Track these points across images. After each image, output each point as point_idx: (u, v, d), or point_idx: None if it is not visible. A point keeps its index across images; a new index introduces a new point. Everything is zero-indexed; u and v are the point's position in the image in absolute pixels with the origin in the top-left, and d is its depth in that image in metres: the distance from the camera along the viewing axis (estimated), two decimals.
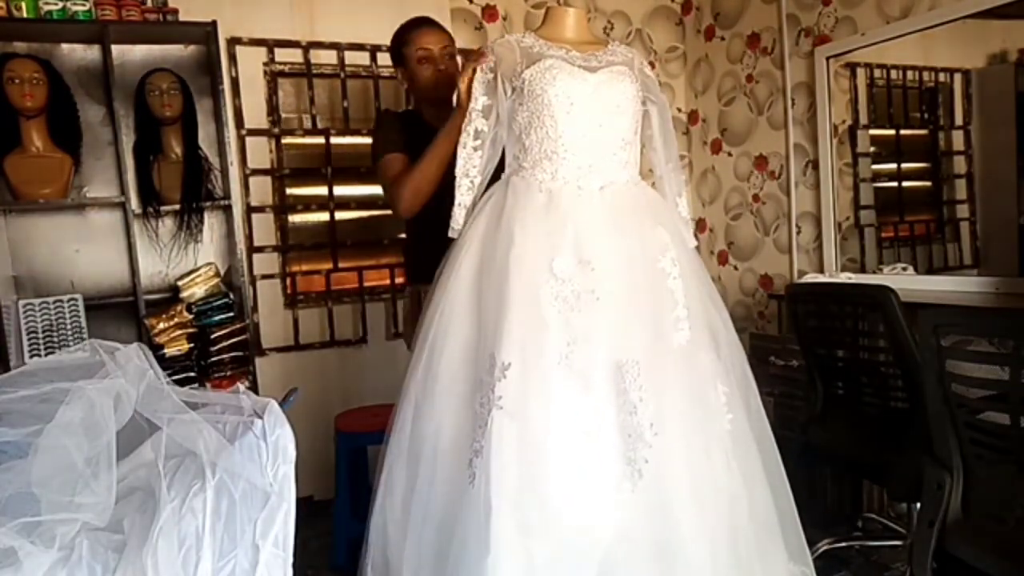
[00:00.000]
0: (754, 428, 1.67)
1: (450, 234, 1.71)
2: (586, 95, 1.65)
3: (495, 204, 1.67)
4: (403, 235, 3.35)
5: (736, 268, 3.74)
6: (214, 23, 2.76)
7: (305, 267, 3.26)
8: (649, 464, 1.46)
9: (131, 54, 2.87)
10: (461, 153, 1.69)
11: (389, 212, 3.36)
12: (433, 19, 2.19)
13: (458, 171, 1.69)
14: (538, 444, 1.46)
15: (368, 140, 3.27)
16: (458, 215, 1.72)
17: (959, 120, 2.84)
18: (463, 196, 1.70)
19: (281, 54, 3.13)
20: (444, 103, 1.95)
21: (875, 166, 3.19)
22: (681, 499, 1.49)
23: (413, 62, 2.08)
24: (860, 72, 3.10)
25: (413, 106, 2.36)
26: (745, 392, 1.69)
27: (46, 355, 2.50)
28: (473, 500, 1.43)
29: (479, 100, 1.69)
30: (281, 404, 1.30)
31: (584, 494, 1.46)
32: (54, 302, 2.64)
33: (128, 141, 2.82)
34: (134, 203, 2.79)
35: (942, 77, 2.89)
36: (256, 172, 3.12)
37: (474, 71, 1.70)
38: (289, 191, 3.20)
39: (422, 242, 1.77)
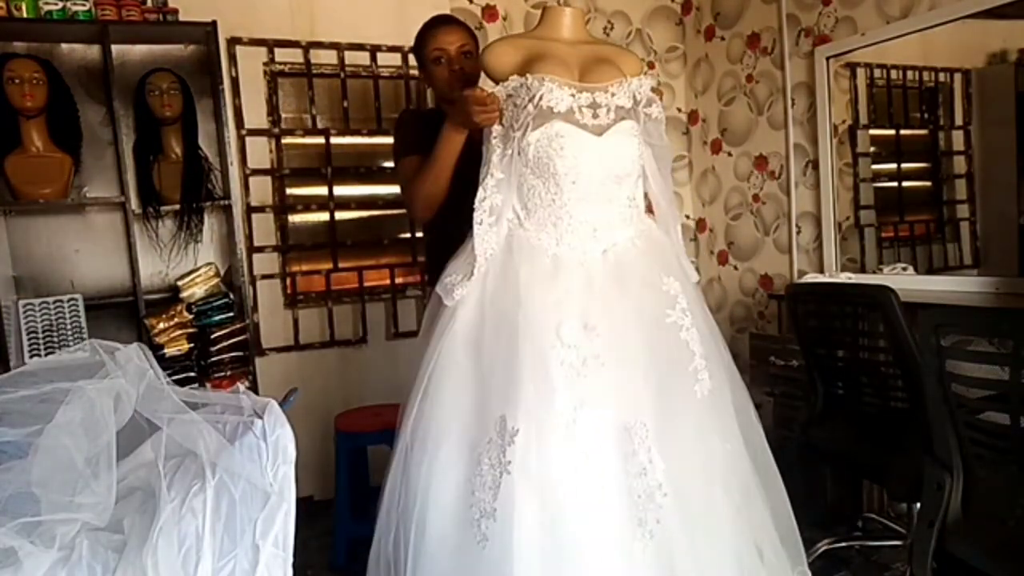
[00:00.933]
0: (758, 457, 1.70)
1: (447, 301, 1.64)
2: (592, 163, 1.63)
3: (496, 262, 1.64)
4: (406, 235, 3.40)
5: (736, 268, 3.74)
6: (214, 23, 2.76)
7: (305, 267, 3.26)
8: (661, 524, 1.47)
9: (131, 54, 2.87)
10: (478, 231, 1.63)
11: (389, 212, 3.39)
12: (452, 17, 2.16)
13: (477, 249, 1.63)
14: (549, 509, 1.46)
15: (369, 140, 3.36)
16: (458, 291, 1.63)
17: (959, 120, 2.83)
18: (477, 270, 1.63)
19: (281, 54, 3.13)
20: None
21: (875, 166, 3.19)
22: (692, 547, 1.50)
23: (429, 62, 2.06)
24: (860, 72, 3.10)
25: (435, 105, 2.35)
26: (746, 416, 1.71)
27: (46, 355, 2.49)
28: (486, 562, 1.43)
29: (495, 176, 1.64)
30: (281, 404, 1.30)
31: (595, 557, 1.46)
32: (54, 302, 2.64)
33: (128, 141, 2.82)
34: (134, 203, 2.79)
35: (942, 77, 2.89)
36: (256, 172, 3.12)
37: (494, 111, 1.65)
38: (289, 191, 3.20)
39: (448, 242, 1.76)
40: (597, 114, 1.65)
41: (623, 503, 1.48)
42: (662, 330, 1.61)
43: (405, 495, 1.57)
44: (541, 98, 1.60)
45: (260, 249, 3.14)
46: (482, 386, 1.55)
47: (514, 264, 1.62)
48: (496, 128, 1.66)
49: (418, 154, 1.96)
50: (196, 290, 2.85)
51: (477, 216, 1.63)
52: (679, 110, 3.96)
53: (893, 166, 3.21)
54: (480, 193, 1.64)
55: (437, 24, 2.09)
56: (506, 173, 1.64)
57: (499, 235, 1.65)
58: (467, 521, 1.48)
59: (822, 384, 2.33)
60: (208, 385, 2.72)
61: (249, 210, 3.10)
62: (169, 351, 2.69)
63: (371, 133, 3.32)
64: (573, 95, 1.63)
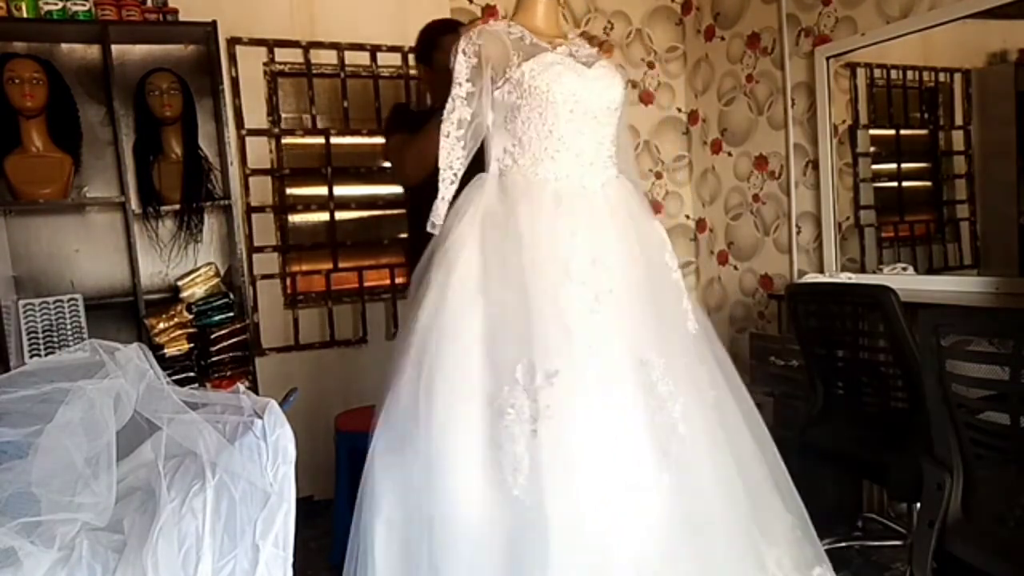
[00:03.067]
0: (739, 401, 1.71)
1: (429, 228, 1.63)
2: (586, 93, 1.63)
3: (492, 203, 1.61)
4: (404, 235, 3.40)
5: (736, 268, 3.74)
6: (214, 23, 2.76)
7: (305, 267, 3.26)
8: (681, 452, 1.48)
9: (131, 54, 2.87)
10: (444, 143, 1.61)
11: (389, 212, 3.39)
12: (463, 22, 2.25)
13: (441, 163, 1.61)
14: (582, 450, 1.44)
15: (369, 140, 3.36)
16: (440, 209, 1.62)
17: (959, 120, 2.83)
18: (446, 189, 1.62)
19: (281, 54, 3.13)
20: None
21: (875, 166, 3.19)
22: (707, 478, 1.52)
23: (442, 62, 2.10)
24: (860, 72, 3.10)
25: (431, 105, 2.43)
26: (724, 367, 1.72)
27: (46, 355, 2.50)
28: (520, 511, 1.39)
29: (463, 87, 1.61)
30: (281, 404, 1.30)
31: (626, 491, 1.46)
32: (54, 302, 2.64)
33: (128, 141, 2.82)
34: (134, 203, 2.79)
35: (942, 77, 2.89)
36: (256, 172, 3.12)
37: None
38: (289, 191, 3.20)
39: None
40: (577, 55, 1.68)
41: (647, 435, 1.48)
42: (657, 268, 1.64)
43: (427, 452, 1.46)
44: (521, 38, 1.63)
45: (260, 249, 3.14)
46: (492, 335, 1.50)
47: (510, 204, 1.58)
48: (467, 61, 1.64)
49: (406, 131, 2.06)
50: (196, 290, 2.85)
51: (444, 128, 1.61)
52: (679, 110, 3.96)
53: (893, 166, 3.21)
54: (449, 105, 1.62)
55: (454, 28, 2.17)
56: (473, 82, 1.61)
57: (490, 176, 1.63)
58: (494, 475, 1.42)
59: (822, 384, 2.33)
60: (208, 385, 2.72)
61: (249, 210, 3.10)
62: (169, 351, 2.68)
63: (371, 133, 3.32)
64: (550, 43, 1.67)
